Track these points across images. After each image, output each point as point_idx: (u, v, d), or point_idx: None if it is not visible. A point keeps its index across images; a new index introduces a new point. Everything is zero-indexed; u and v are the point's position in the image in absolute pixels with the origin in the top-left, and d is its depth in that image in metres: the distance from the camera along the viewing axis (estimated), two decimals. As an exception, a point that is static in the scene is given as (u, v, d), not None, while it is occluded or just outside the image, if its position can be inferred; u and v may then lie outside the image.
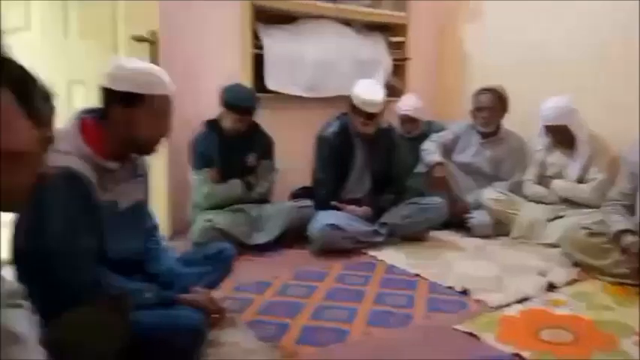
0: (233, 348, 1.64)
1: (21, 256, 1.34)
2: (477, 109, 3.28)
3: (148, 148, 1.49)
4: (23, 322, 0.85)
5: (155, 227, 1.72)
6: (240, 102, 2.72)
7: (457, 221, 3.18)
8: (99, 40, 2.49)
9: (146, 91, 1.41)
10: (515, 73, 3.51)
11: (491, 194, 3.17)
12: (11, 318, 0.83)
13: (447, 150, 3.37)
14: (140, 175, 1.57)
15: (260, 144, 2.91)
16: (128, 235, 1.51)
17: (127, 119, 1.40)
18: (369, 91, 2.84)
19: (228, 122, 2.73)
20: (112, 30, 2.53)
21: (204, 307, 1.56)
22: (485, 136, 3.31)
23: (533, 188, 3.15)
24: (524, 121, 3.29)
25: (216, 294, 1.79)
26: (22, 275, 1.33)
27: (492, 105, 3.22)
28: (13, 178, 0.30)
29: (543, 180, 3.14)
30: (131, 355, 1.24)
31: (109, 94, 1.42)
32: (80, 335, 1.11)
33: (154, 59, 2.51)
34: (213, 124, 2.78)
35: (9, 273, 1.28)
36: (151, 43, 2.54)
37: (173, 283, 1.60)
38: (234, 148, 2.79)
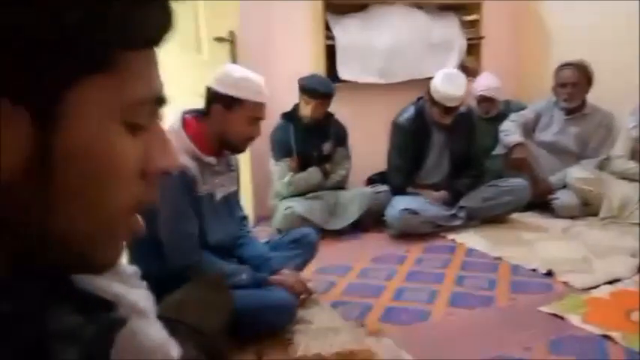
0: (320, 325, 1.74)
1: (134, 240, 1.52)
2: (560, 85, 3.14)
3: (239, 147, 1.65)
4: (145, 300, 0.99)
5: (245, 217, 1.88)
6: (319, 86, 2.81)
7: (540, 203, 3.08)
8: (182, 42, 2.67)
9: (246, 96, 1.58)
10: (603, 47, 3.29)
11: (577, 173, 3.04)
12: (136, 296, 0.96)
13: (528, 129, 3.26)
14: (232, 169, 1.72)
15: (335, 133, 2.99)
16: (223, 222, 1.66)
17: (224, 119, 1.56)
18: (449, 85, 2.77)
19: (308, 110, 2.81)
20: (194, 32, 2.70)
21: (293, 288, 1.68)
22: (569, 112, 3.16)
23: (626, 164, 2.97)
24: (616, 97, 3.10)
25: (302, 276, 1.90)
26: (135, 258, 1.51)
27: (576, 80, 3.07)
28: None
29: (636, 156, 2.96)
30: (229, 330, 1.38)
31: (213, 94, 1.59)
32: (189, 312, 1.25)
33: (233, 57, 2.66)
34: (289, 116, 2.89)
35: (123, 257, 1.46)
36: (230, 42, 2.68)
37: (262, 267, 1.74)
38: (311, 137, 2.89)
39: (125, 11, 0.32)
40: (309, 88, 2.78)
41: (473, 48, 3.84)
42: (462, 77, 2.87)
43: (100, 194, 0.32)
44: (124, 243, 0.37)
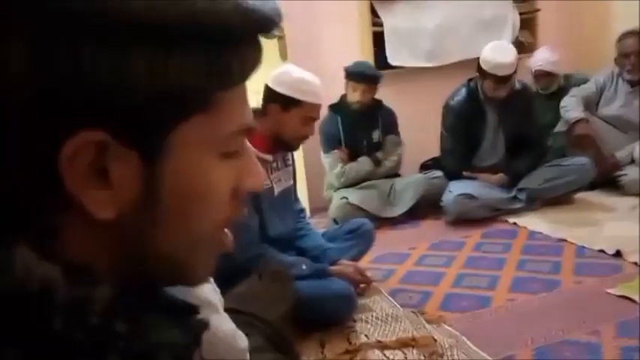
0: (380, 314, 1.78)
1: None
2: (623, 55, 2.97)
3: (293, 146, 1.72)
4: (213, 294, 1.05)
5: (302, 209, 1.94)
6: (366, 70, 2.81)
7: (607, 181, 2.95)
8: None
9: (303, 97, 1.64)
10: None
11: (646, 147, 2.88)
12: (205, 291, 1.03)
13: (590, 104, 3.11)
14: (288, 164, 1.79)
15: (384, 120, 2.97)
16: (283, 216, 1.73)
17: (280, 118, 1.62)
18: (499, 53, 2.72)
19: (357, 95, 2.81)
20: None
21: (352, 278, 1.73)
22: (634, 84, 2.99)
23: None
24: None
25: (360, 265, 1.94)
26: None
27: (640, 49, 2.90)
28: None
29: None
30: (292, 320, 1.44)
31: (272, 93, 1.65)
32: (253, 303, 1.31)
33: (283, 52, 2.71)
34: (337, 107, 2.91)
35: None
36: (279, 38, 2.74)
37: (321, 257, 1.80)
38: (359, 126, 2.90)
39: (228, 55, 0.33)
40: (357, 73, 2.79)
41: (528, 22, 3.69)
42: (510, 45, 2.87)
43: (199, 218, 0.36)
44: (215, 257, 0.40)
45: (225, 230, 0.40)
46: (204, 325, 0.41)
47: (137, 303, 0.34)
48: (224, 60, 0.33)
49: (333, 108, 2.92)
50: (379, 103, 2.94)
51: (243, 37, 0.35)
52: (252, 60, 0.36)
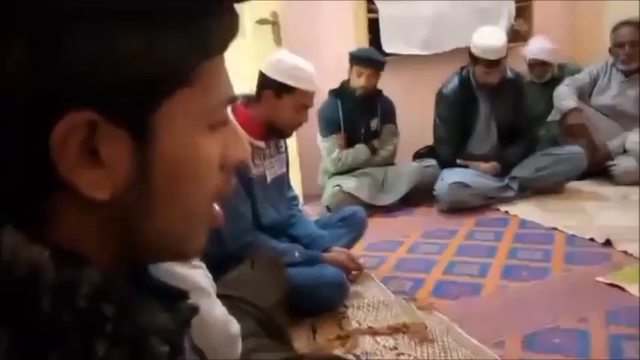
0: (371, 301, 1.79)
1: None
2: (618, 45, 2.97)
3: (286, 133, 1.71)
4: (205, 279, 1.05)
5: (295, 197, 1.94)
6: (373, 55, 2.81)
7: (598, 170, 2.97)
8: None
9: (297, 84, 1.63)
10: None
11: (637, 137, 2.89)
12: (196, 276, 1.03)
13: (584, 93, 3.12)
14: (281, 151, 1.78)
15: (383, 109, 2.97)
16: (275, 203, 1.73)
17: (274, 105, 1.62)
18: (488, 37, 2.73)
19: (362, 80, 2.78)
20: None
21: (344, 265, 1.73)
22: (627, 74, 3.00)
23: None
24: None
25: (352, 253, 1.95)
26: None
27: (635, 39, 2.90)
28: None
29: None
30: (284, 306, 1.45)
31: (266, 79, 1.64)
32: (246, 289, 1.32)
33: (277, 38, 2.69)
34: (337, 92, 2.90)
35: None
36: (273, 24, 2.71)
37: (313, 244, 1.80)
38: (359, 114, 2.90)
39: (206, 26, 0.34)
40: (364, 57, 2.77)
41: (523, 10, 3.68)
42: (499, 30, 2.90)
43: (191, 193, 0.36)
44: (207, 231, 0.40)
45: (214, 205, 0.41)
46: (194, 309, 0.41)
47: (127, 287, 0.34)
48: (203, 31, 0.34)
49: (334, 93, 2.91)
50: (379, 91, 2.94)
51: (219, 6, 0.35)
52: (229, 28, 0.36)
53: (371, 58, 2.78)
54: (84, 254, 0.32)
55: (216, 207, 0.41)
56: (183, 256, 0.41)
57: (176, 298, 0.40)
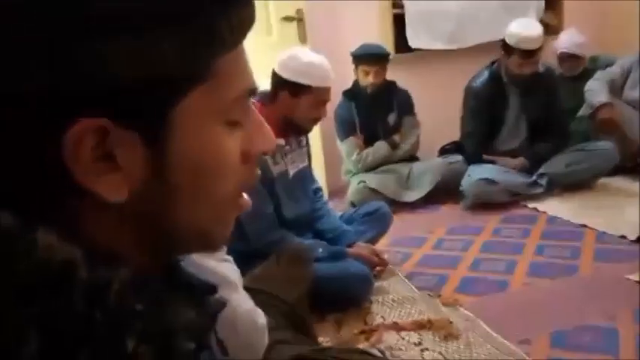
0: (396, 296, 1.80)
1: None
2: (652, 37, 2.88)
3: (306, 129, 1.72)
4: (234, 273, 1.08)
5: (319, 189, 1.95)
6: (375, 50, 2.78)
7: (630, 166, 2.89)
8: (253, 26, 2.74)
9: (313, 83, 1.62)
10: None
11: (671, 132, 2.81)
12: (225, 270, 1.06)
13: (616, 87, 3.03)
14: (302, 145, 1.80)
15: (399, 101, 2.94)
16: (298, 197, 1.76)
17: (291, 104, 1.63)
18: (525, 27, 2.69)
19: (369, 78, 2.77)
20: (264, 13, 2.76)
21: (369, 260, 1.75)
22: (663, 67, 2.91)
23: None
24: None
25: (377, 248, 1.96)
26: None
27: (671, 30, 2.81)
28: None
29: None
30: (311, 301, 1.47)
31: (279, 79, 1.64)
32: (272, 284, 1.34)
33: (302, 37, 2.71)
34: (350, 93, 2.89)
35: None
36: (298, 20, 2.73)
37: (338, 240, 1.82)
38: (375, 111, 2.88)
39: (219, 22, 0.33)
40: (367, 55, 2.75)
41: (553, 3, 3.61)
42: (536, 21, 2.86)
43: (212, 187, 0.36)
44: (234, 220, 0.41)
45: (243, 194, 0.41)
46: (222, 304, 0.42)
47: (157, 283, 0.35)
48: (213, 27, 0.33)
49: (347, 94, 2.90)
50: (393, 84, 2.91)
51: (231, 1, 0.34)
52: (243, 20, 0.35)
53: (373, 52, 2.75)
54: (115, 252, 0.33)
55: (245, 196, 0.41)
56: (211, 246, 0.41)
57: (205, 292, 0.41)
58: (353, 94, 2.88)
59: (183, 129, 0.34)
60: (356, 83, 2.88)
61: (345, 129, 2.88)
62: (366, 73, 2.77)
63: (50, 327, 0.29)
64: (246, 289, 1.11)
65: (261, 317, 0.98)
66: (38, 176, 0.31)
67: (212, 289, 0.42)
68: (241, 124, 0.38)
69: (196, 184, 0.35)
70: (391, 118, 2.94)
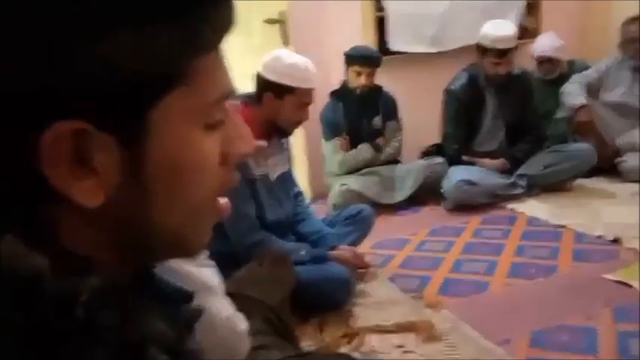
0: (379, 298, 1.80)
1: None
2: (627, 41, 2.95)
3: (288, 131, 1.72)
4: (214, 278, 1.07)
5: (300, 193, 1.95)
6: (369, 52, 2.80)
7: (607, 167, 2.95)
8: (235, 28, 2.73)
9: (297, 84, 1.63)
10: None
11: (647, 134, 2.87)
12: (205, 274, 1.05)
13: (593, 90, 3.09)
14: (284, 148, 1.79)
15: (384, 106, 2.96)
16: (281, 200, 1.75)
17: (276, 105, 1.62)
18: (498, 27, 2.74)
19: (361, 80, 2.78)
20: (245, 15, 2.76)
21: (351, 263, 1.74)
22: (637, 69, 2.97)
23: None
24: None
25: (359, 251, 1.96)
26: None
27: (645, 34, 2.87)
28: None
29: None
30: (293, 304, 1.46)
31: (264, 81, 1.64)
32: (254, 287, 1.33)
33: (285, 39, 2.70)
34: (338, 94, 2.90)
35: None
36: (281, 23, 2.72)
37: (320, 242, 1.81)
38: (361, 113, 2.89)
39: (198, 22, 0.32)
40: (361, 57, 2.76)
41: (532, 7, 3.66)
42: (509, 22, 2.91)
43: (190, 190, 0.35)
44: (212, 225, 0.40)
45: (219, 199, 0.40)
46: (198, 313, 0.41)
47: (130, 292, 0.34)
48: (193, 28, 0.32)
49: (335, 95, 2.91)
50: (379, 88, 2.93)
51: (209, 0, 0.33)
52: (223, 21, 0.35)
53: (368, 55, 2.77)
54: (89, 259, 0.32)
55: (222, 200, 0.41)
56: (189, 252, 0.40)
57: (181, 301, 0.40)
58: (341, 95, 2.89)
59: (161, 132, 0.33)
60: (344, 84, 2.88)
61: (332, 130, 2.88)
62: (358, 74, 2.78)
63: (16, 337, 0.28)
64: (228, 293, 1.10)
65: (242, 323, 0.97)
66: (11, 181, 0.30)
67: (188, 297, 0.41)
68: (220, 126, 0.37)
69: (174, 187, 0.35)
70: (376, 122, 2.95)
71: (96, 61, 0.29)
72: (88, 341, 0.29)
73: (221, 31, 0.35)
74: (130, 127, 0.32)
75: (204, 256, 1.11)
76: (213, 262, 1.11)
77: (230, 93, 0.38)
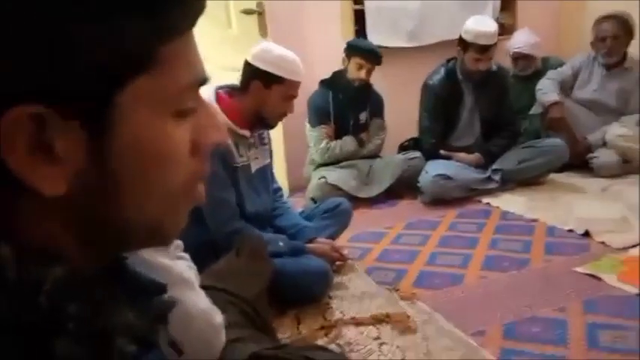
0: (355, 291, 1.81)
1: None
2: (599, 39, 3.01)
3: (272, 123, 1.71)
4: (189, 271, 1.06)
5: (279, 188, 1.95)
6: (369, 46, 2.82)
7: (579, 163, 3.02)
8: (212, 18, 2.69)
9: (286, 75, 1.63)
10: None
11: (617, 130, 2.95)
12: (180, 267, 1.03)
13: (566, 87, 3.16)
14: (265, 142, 1.78)
15: (372, 102, 2.99)
16: (260, 193, 1.75)
17: (262, 95, 1.62)
18: (481, 23, 2.77)
19: (362, 73, 2.77)
20: (223, 6, 2.72)
21: (328, 255, 1.75)
22: (609, 67, 3.04)
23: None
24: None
25: (336, 244, 1.96)
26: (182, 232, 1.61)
27: (616, 33, 2.94)
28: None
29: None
30: (270, 296, 1.46)
31: (253, 70, 1.63)
32: (231, 279, 1.32)
33: (263, 30, 2.67)
34: (329, 83, 2.90)
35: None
36: (258, 14, 2.70)
37: (298, 235, 1.81)
38: (349, 106, 2.90)
39: (165, 7, 0.32)
40: (367, 50, 2.77)
41: (508, 4, 3.72)
42: (491, 18, 2.95)
43: (160, 179, 0.35)
44: (187, 213, 0.39)
45: (196, 185, 0.39)
46: (172, 304, 0.41)
47: (97, 283, 0.33)
48: (161, 13, 0.32)
49: (326, 83, 2.90)
50: (370, 85, 2.94)
51: None
52: (192, 6, 0.34)
53: (374, 51, 2.79)
54: (53, 248, 0.31)
55: (199, 186, 0.40)
56: (163, 240, 0.39)
57: (153, 292, 0.39)
58: (332, 84, 2.87)
59: (127, 118, 0.32)
60: (336, 74, 2.87)
61: (320, 117, 2.88)
62: (360, 67, 2.77)
63: None
64: (204, 286, 1.09)
65: (218, 316, 0.96)
66: None
67: (161, 288, 0.40)
68: (191, 115, 0.36)
69: (143, 175, 0.34)
70: (363, 116, 2.97)
71: (56, 45, 0.28)
72: (53, 331, 0.29)
73: (190, 16, 0.34)
74: (94, 113, 0.31)
75: (179, 249, 1.10)
76: (187, 255, 1.09)
77: (202, 80, 0.37)
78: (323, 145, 2.88)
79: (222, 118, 1.58)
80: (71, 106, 0.30)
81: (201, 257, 1.16)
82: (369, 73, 2.79)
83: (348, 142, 2.92)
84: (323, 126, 2.88)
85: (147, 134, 0.33)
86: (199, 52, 0.37)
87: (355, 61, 2.78)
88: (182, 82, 0.35)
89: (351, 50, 2.79)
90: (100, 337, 0.31)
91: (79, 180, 0.31)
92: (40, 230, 0.32)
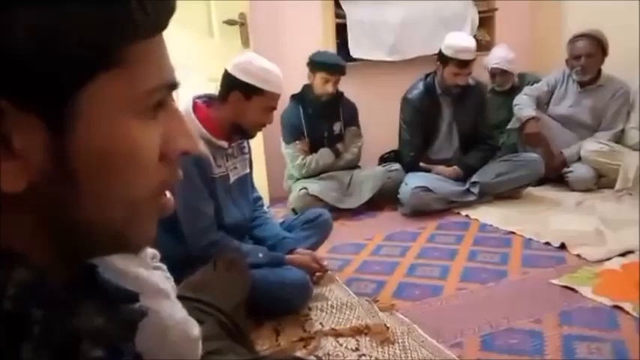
0: (335, 302, 1.80)
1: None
2: (574, 57, 3.09)
3: (251, 134, 1.71)
4: (165, 281, 1.04)
5: (259, 198, 1.94)
6: (331, 59, 2.82)
7: (555, 177, 3.08)
8: (193, 27, 2.69)
9: (267, 87, 1.62)
10: (618, 15, 3.22)
11: (592, 146, 3.02)
12: (156, 278, 1.01)
13: (542, 103, 3.23)
14: (244, 152, 1.77)
15: (345, 112, 3.00)
16: (239, 203, 1.73)
17: (242, 106, 1.61)
18: (461, 39, 2.83)
19: (328, 87, 2.79)
20: (205, 15, 2.71)
21: (308, 266, 1.74)
22: (583, 84, 3.13)
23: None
24: (629, 63, 3.05)
25: (317, 254, 1.95)
26: (158, 242, 1.58)
27: (590, 51, 3.02)
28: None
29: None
30: (247, 307, 1.44)
31: (233, 81, 1.62)
32: (209, 291, 1.30)
33: (245, 40, 2.68)
34: (299, 97, 2.91)
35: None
36: (240, 25, 2.70)
37: (278, 246, 1.80)
38: (321, 118, 2.91)
39: (131, 6, 0.31)
40: (330, 64, 2.77)
41: (486, 21, 3.79)
42: (469, 35, 3.04)
43: (125, 184, 0.34)
44: (156, 221, 0.38)
45: (166, 194, 0.39)
46: (142, 313, 0.40)
47: (63, 288, 0.32)
48: (124, 12, 0.31)
49: (296, 98, 2.91)
50: (341, 94, 2.96)
51: None
52: (159, 8, 0.34)
53: (337, 64, 2.80)
54: (18, 254, 0.31)
55: (168, 195, 0.39)
56: (127, 248, 0.38)
57: (123, 300, 0.38)
58: (301, 98, 2.88)
59: (89, 117, 0.31)
60: (305, 88, 2.88)
61: (293, 133, 2.88)
62: (325, 81, 2.78)
63: None
64: (181, 297, 1.07)
65: (194, 327, 0.94)
66: None
67: (132, 297, 0.39)
68: (158, 120, 0.36)
69: (106, 179, 0.33)
70: (337, 127, 2.98)
71: (20, 33, 0.28)
72: (15, 334, 0.28)
73: (157, 17, 0.34)
74: (54, 109, 0.30)
75: (155, 259, 1.08)
76: (164, 266, 1.07)
77: (171, 84, 0.36)
78: (299, 161, 2.88)
79: (197, 128, 1.57)
80: (30, 101, 0.29)
81: (179, 268, 1.14)
82: (335, 84, 2.81)
83: (324, 155, 2.92)
84: (297, 142, 2.88)
85: (110, 134, 0.32)
86: (169, 56, 0.36)
87: (320, 75, 2.79)
88: (149, 85, 0.34)
89: (314, 66, 2.79)
90: (66, 340, 0.30)
91: (41, 179, 0.31)
92: (6, 232, 0.31)
